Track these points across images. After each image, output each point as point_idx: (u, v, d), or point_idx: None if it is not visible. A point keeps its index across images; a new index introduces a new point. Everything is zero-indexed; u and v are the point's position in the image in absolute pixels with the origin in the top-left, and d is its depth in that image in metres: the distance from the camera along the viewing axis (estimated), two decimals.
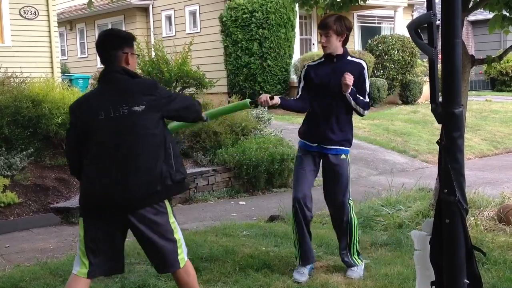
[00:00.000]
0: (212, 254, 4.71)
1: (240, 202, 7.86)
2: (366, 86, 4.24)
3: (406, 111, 15.35)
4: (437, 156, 2.33)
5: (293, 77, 15.42)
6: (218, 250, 4.86)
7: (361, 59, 4.32)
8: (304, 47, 17.02)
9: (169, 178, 3.10)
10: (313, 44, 17.43)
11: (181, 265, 3.18)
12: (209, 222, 6.37)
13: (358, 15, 18.76)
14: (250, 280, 4.16)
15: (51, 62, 12.07)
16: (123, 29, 19.61)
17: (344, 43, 4.18)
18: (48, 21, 12.15)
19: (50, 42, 12.09)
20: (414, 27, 2.32)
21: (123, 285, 4.07)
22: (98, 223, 3.09)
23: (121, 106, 3.03)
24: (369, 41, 17.03)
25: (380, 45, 16.55)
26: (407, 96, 16.79)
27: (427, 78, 15.80)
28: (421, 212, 5.87)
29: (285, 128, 11.24)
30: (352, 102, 4.16)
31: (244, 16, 14.96)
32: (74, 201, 6.92)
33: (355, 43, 18.13)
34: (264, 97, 4.03)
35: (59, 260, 4.98)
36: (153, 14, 18.98)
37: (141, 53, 9.84)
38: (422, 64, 17.21)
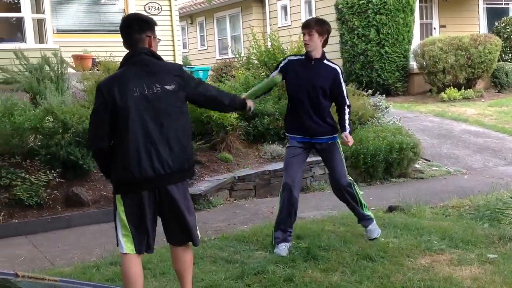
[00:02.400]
0: (329, 244, 4.70)
1: None
2: (343, 90, 4.70)
3: None
4: None
5: (412, 64, 14.89)
6: (335, 240, 4.84)
7: (336, 64, 4.74)
8: (424, 32, 16.35)
9: (192, 159, 3.37)
10: (434, 28, 16.69)
11: (198, 241, 3.43)
12: (326, 211, 6.35)
13: None
14: (368, 271, 4.10)
15: (174, 55, 12.62)
16: (241, 21, 20.06)
17: (324, 44, 4.64)
18: (171, 16, 12.71)
19: (172, 36, 12.64)
20: None
21: (243, 270, 4.18)
22: (136, 198, 3.20)
23: (154, 84, 3.17)
24: (496, 23, 16.01)
25: (508, 27, 15.51)
26: None
27: None
28: None
29: (404, 117, 10.91)
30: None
31: (360, 2, 14.65)
32: (196, 188, 7.15)
33: (480, 26, 17.10)
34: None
35: None
36: (269, 5, 19.17)
37: (257, 43, 9.99)
38: None
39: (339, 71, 4.69)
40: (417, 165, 8.85)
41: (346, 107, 4.71)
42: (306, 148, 4.80)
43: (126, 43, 3.30)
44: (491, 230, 5.21)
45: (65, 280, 2.30)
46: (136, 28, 3.27)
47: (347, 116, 4.69)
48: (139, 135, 3.14)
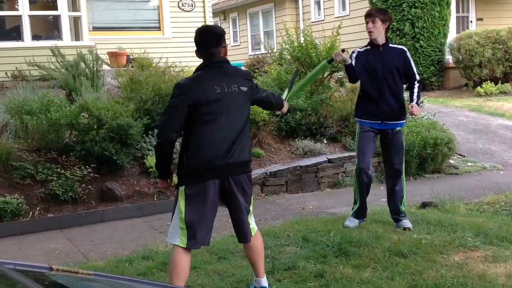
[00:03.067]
0: (361, 239, 4.66)
1: None
2: (413, 67, 5.07)
3: None
4: None
5: (448, 58, 14.64)
6: (367, 235, 4.80)
7: (401, 45, 5.22)
8: (460, 25, 16.04)
9: (251, 153, 3.66)
10: (471, 21, 16.36)
11: (253, 234, 3.65)
12: None
13: None
14: (400, 268, 4.06)
15: None
16: (273, 16, 20.02)
17: (387, 31, 5.02)
18: (204, 12, 12.77)
19: None
20: None
21: (274, 266, 4.19)
22: (200, 192, 3.41)
23: (232, 84, 3.52)
24: None
25: None
26: None
27: None
28: None
29: (438, 111, 10.74)
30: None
31: None
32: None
33: None
34: (337, 52, 4.80)
35: (215, 239, 5.22)
36: (302, 0, 19.09)
37: (290, 38, 9.95)
38: None
39: (406, 50, 5.12)
40: (451, 161, 8.71)
41: (416, 82, 5.10)
42: (377, 134, 5.15)
43: (203, 55, 3.61)
44: None
45: (98, 273, 2.34)
46: (213, 42, 3.59)
47: (416, 90, 5.08)
48: (215, 127, 3.42)
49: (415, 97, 5.06)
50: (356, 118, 5.28)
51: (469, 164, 8.80)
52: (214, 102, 3.43)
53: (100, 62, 9.10)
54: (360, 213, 5.32)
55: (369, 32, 5.00)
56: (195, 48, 3.66)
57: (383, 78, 4.98)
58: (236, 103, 3.51)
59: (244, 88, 3.56)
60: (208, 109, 3.42)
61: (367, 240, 4.67)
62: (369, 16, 5.01)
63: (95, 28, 11.94)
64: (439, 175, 8.27)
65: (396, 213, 5.22)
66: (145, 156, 7.41)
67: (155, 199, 6.96)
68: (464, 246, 4.49)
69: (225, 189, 3.48)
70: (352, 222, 5.24)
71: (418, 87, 5.09)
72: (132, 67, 10.18)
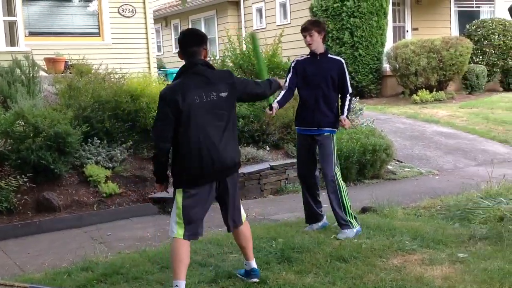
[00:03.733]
0: (303, 245, 4.72)
1: None
2: (347, 79, 5.25)
3: (507, 98, 14.52)
4: None
5: (386, 66, 15.05)
6: (309, 241, 4.86)
7: (339, 57, 5.44)
8: (397, 35, 16.54)
9: (240, 155, 4.01)
10: (407, 31, 16.90)
11: (243, 221, 4.04)
12: (301, 213, 6.34)
13: None
14: (341, 272, 4.13)
15: (148, 58, 12.53)
16: (216, 23, 20.04)
17: (323, 40, 5.24)
18: (145, 18, 12.61)
19: (146, 38, 12.55)
20: None
21: (217, 273, 4.18)
22: (195, 193, 3.73)
23: (211, 92, 3.71)
24: (467, 26, 16.27)
25: (479, 29, 15.78)
26: (508, 83, 15.92)
27: None
28: None
29: (377, 119, 11.01)
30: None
31: (335, 5, 14.76)
32: (170, 192, 7.16)
33: (452, 29, 17.37)
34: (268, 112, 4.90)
35: (157, 248, 5.19)
36: (244, 8, 19.20)
37: (232, 46, 10.00)
38: None
39: (343, 62, 5.30)
40: (389, 167, 8.94)
41: (348, 95, 5.27)
42: (312, 140, 5.28)
43: (184, 54, 3.81)
44: (462, 229, 5.29)
45: (35, 286, 2.28)
46: (194, 42, 3.80)
47: (347, 103, 5.26)
48: (200, 136, 3.66)
49: (345, 110, 5.22)
50: (296, 127, 5.44)
51: (406, 169, 9.06)
52: (195, 113, 3.64)
53: (36, 68, 8.84)
54: (307, 218, 5.47)
55: (308, 45, 5.22)
56: (178, 50, 3.89)
57: (319, 86, 5.17)
58: (218, 110, 3.73)
59: (224, 94, 3.76)
60: (189, 120, 3.63)
61: (309, 245, 4.73)
62: (305, 30, 5.20)
63: (32, 34, 11.57)
64: (378, 180, 8.48)
65: (337, 220, 5.25)
66: (84, 165, 7.24)
67: (95, 209, 6.81)
68: (402, 250, 4.62)
69: (218, 188, 3.83)
70: (310, 228, 5.42)
71: (349, 100, 5.28)
72: (70, 73, 9.94)
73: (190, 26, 21.38)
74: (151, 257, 4.73)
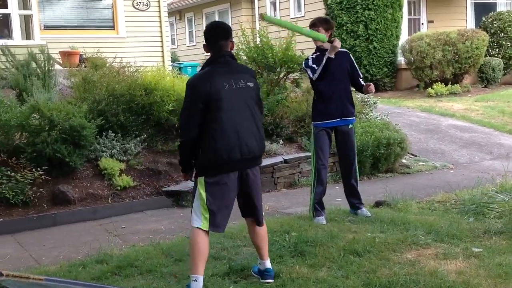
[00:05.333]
0: (316, 239, 4.71)
1: None
2: (355, 65, 5.64)
3: None
4: None
5: (400, 59, 14.94)
6: (322, 235, 4.85)
7: (343, 49, 5.62)
8: (412, 27, 16.40)
9: (264, 146, 3.95)
10: (422, 23, 16.75)
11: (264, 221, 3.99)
12: None
13: None
14: (355, 266, 4.12)
15: (162, 51, 12.58)
16: (229, 16, 20.02)
17: (330, 37, 5.42)
18: (159, 11, 12.65)
19: (161, 32, 12.59)
20: None
21: (230, 267, 4.19)
22: (218, 183, 3.70)
23: (239, 80, 3.78)
24: (484, 19, 16.09)
25: (495, 22, 15.59)
26: None
27: None
28: None
29: (391, 112, 10.96)
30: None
31: None
32: (184, 185, 7.19)
33: (467, 21, 17.17)
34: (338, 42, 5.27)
35: (171, 241, 5.21)
36: (258, 1, 19.15)
37: (246, 39, 9.96)
38: None
39: (349, 52, 5.72)
40: (404, 160, 8.90)
41: (361, 79, 5.60)
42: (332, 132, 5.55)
43: (212, 47, 3.85)
44: (476, 224, 5.25)
45: (50, 278, 2.29)
46: (223, 35, 3.86)
47: (363, 82, 5.61)
48: (229, 122, 3.68)
49: (364, 82, 5.59)
50: (316, 122, 5.58)
51: (420, 163, 9.01)
52: (225, 99, 3.67)
53: (52, 61, 8.90)
54: (319, 210, 5.60)
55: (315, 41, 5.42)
56: (204, 43, 3.91)
57: (340, 79, 5.45)
58: (246, 98, 3.78)
59: (251, 84, 3.84)
60: (219, 106, 3.66)
61: (322, 239, 4.72)
62: (313, 26, 5.41)
63: (47, 27, 11.66)
64: (392, 174, 8.44)
65: (359, 203, 5.72)
66: (99, 158, 7.29)
67: (109, 202, 6.86)
68: (416, 244, 4.60)
69: (242, 179, 3.77)
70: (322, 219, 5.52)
71: (363, 79, 5.64)
72: (85, 67, 10.00)
73: (204, 19, 21.41)
74: (165, 250, 4.75)
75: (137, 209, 6.85)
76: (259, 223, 3.96)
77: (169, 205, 7.04)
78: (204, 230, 3.70)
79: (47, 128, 6.87)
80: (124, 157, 7.48)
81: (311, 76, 5.40)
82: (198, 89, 3.68)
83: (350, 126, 5.56)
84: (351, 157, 5.63)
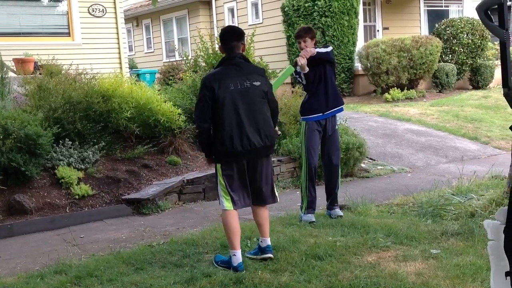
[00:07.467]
0: (278, 244, 4.73)
1: None
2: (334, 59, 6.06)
3: (476, 96, 14.81)
4: (511, 143, 2.23)
5: (357, 65, 15.18)
6: (284, 240, 4.87)
7: (326, 47, 5.92)
8: (368, 34, 16.71)
9: (274, 138, 4.41)
10: (378, 30, 17.08)
11: (276, 200, 4.57)
12: (275, 212, 6.37)
13: None
14: (317, 270, 4.15)
15: (119, 58, 12.41)
16: (187, 23, 19.94)
17: (315, 44, 5.89)
18: (116, 18, 12.48)
19: (118, 38, 12.43)
20: (484, 9, 2.24)
21: (192, 274, 4.16)
22: (232, 169, 4.25)
23: (245, 80, 4.25)
24: (436, 25, 16.52)
25: (448, 28, 16.02)
26: (477, 81, 16.19)
27: (499, 62, 15.18)
28: (494, 201, 5.65)
29: (349, 117, 11.10)
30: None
31: (306, 5, 14.85)
32: (144, 192, 7.11)
33: (421, 28, 17.61)
34: (300, 57, 5.59)
35: (131, 249, 5.14)
36: (216, 7, 19.16)
37: (204, 45, 9.95)
38: (493, 47, 16.51)
39: (331, 48, 6.05)
40: (363, 165, 9.03)
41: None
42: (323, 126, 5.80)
43: (225, 48, 4.34)
44: (434, 226, 5.36)
45: None
46: (235, 37, 4.35)
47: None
48: (232, 120, 4.17)
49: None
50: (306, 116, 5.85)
51: (379, 167, 9.16)
52: (228, 98, 4.16)
53: (5, 69, 8.67)
54: (311, 207, 5.85)
55: (303, 49, 5.75)
56: (219, 45, 4.49)
57: (328, 78, 5.83)
58: (251, 96, 4.23)
59: (257, 83, 4.27)
60: (223, 104, 4.15)
61: (284, 244, 4.74)
62: (299, 37, 5.85)
63: (0, 34, 11.36)
64: (352, 178, 8.55)
65: (335, 202, 5.96)
66: (56, 167, 7.13)
67: (67, 211, 6.72)
68: (376, 247, 4.67)
69: (248, 168, 4.29)
70: (309, 217, 5.74)
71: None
72: (40, 74, 9.77)
73: (162, 26, 21.27)
74: (125, 258, 4.68)
75: (96, 218, 6.73)
76: (260, 202, 4.43)
77: (129, 214, 6.94)
78: (231, 210, 4.24)
79: (1, 137, 6.69)
80: (82, 166, 7.34)
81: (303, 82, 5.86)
82: (207, 87, 4.20)
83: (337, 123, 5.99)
84: (333, 154, 5.92)
